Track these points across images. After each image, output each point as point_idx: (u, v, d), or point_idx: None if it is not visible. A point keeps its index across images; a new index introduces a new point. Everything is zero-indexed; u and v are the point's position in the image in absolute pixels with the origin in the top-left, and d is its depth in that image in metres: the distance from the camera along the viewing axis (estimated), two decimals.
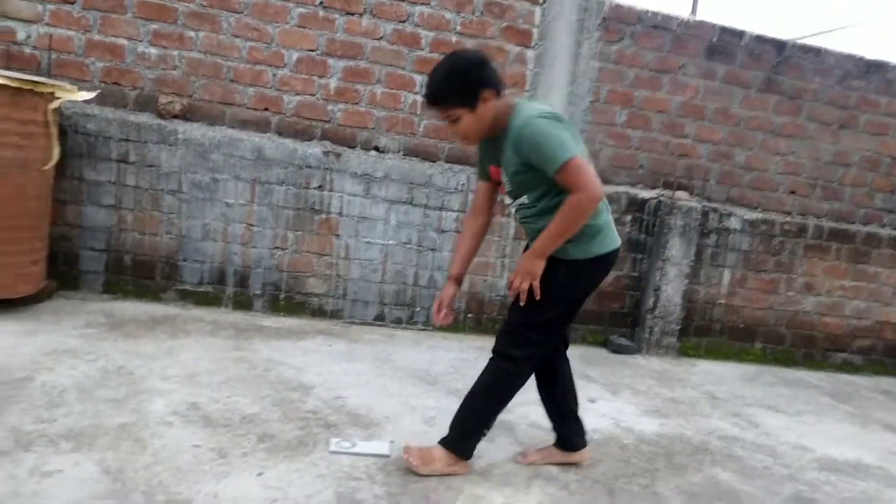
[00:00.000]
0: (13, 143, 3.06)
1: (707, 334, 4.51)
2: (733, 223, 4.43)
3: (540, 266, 2.12)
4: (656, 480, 2.50)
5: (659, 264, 4.24)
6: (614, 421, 3.04)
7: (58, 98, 3.18)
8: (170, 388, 2.66)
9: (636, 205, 4.31)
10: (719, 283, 4.47)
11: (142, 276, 3.79)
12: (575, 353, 3.99)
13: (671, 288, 4.26)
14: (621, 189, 4.33)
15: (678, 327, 4.31)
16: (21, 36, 3.63)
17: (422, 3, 3.97)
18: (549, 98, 4.20)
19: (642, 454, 2.73)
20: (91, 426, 2.26)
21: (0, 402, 2.31)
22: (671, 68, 4.33)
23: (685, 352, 4.40)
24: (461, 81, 2.03)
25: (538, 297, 2.15)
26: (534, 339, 2.23)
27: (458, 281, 2.41)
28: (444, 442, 2.31)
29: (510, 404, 3.03)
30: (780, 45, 4.43)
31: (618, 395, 3.42)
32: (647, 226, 4.33)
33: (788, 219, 4.56)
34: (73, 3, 3.65)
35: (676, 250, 4.25)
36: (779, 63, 4.45)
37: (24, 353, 2.75)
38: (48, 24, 3.65)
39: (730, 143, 4.50)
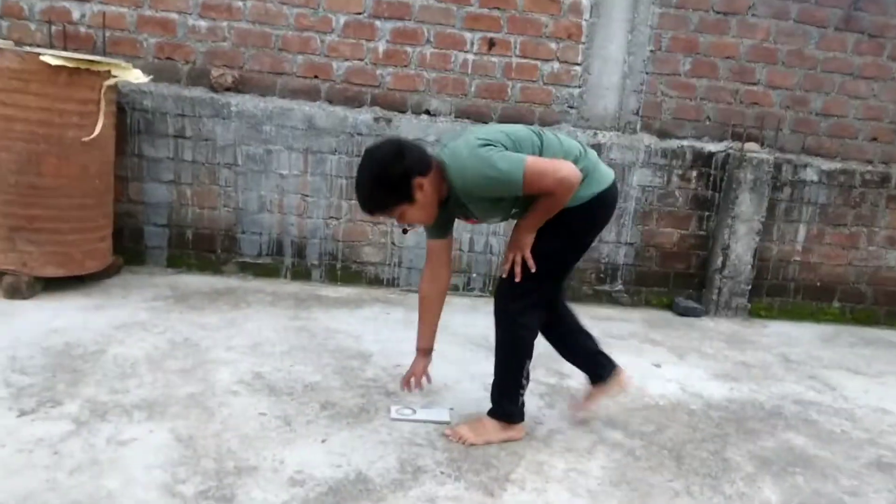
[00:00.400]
0: (74, 122, 3.19)
1: (780, 294, 4.35)
2: (809, 175, 4.22)
3: (529, 238, 2.14)
4: (726, 446, 2.46)
5: (728, 221, 4.10)
6: (681, 386, 2.99)
7: (114, 76, 3.28)
8: (234, 357, 2.77)
9: (702, 159, 4.16)
10: (794, 239, 4.29)
11: (203, 249, 3.93)
12: (638, 317, 3.97)
13: (741, 246, 4.12)
14: (686, 143, 4.17)
15: (749, 287, 4.18)
16: (76, 15, 3.75)
17: None
18: (607, 50, 4.07)
19: (711, 419, 2.68)
20: (162, 396, 2.38)
21: (76, 375, 2.47)
22: (739, 9, 4.11)
23: (756, 313, 4.27)
24: (388, 186, 2.01)
25: (533, 269, 2.15)
26: (536, 288, 2.21)
27: (428, 353, 2.44)
28: (491, 413, 2.34)
29: (569, 370, 3.03)
30: None
31: (684, 359, 3.36)
32: (714, 181, 4.18)
33: (870, 168, 4.30)
34: None
35: (747, 206, 4.09)
36: None
37: (95, 328, 2.91)
38: (101, 3, 3.75)
39: (805, 88, 4.26)
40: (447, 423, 2.38)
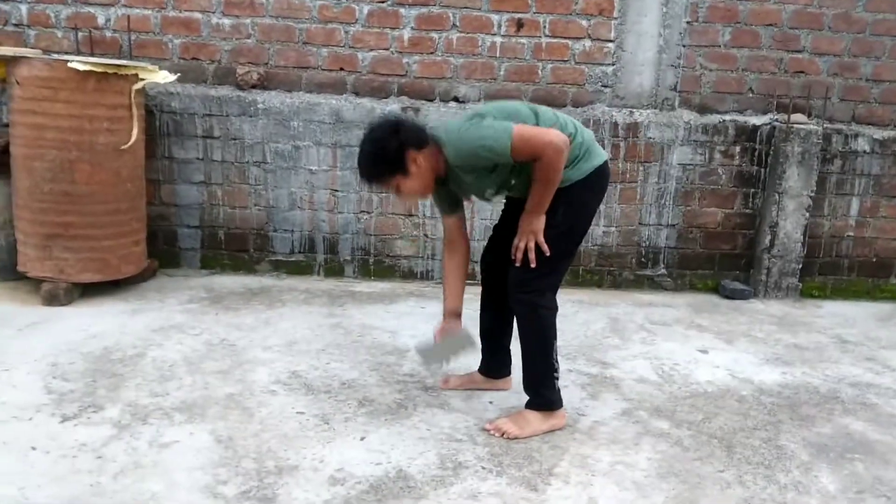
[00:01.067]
0: (104, 128, 3.26)
1: (834, 272, 4.23)
2: (861, 145, 4.08)
3: (541, 222, 2.21)
4: (780, 433, 2.41)
5: (775, 197, 3.99)
6: (730, 372, 2.94)
7: (141, 80, 3.35)
8: (271, 357, 2.81)
9: (746, 133, 4.05)
10: (846, 213, 4.16)
11: (236, 249, 4.00)
12: (683, 301, 3.91)
13: (790, 223, 4.01)
14: (728, 117, 4.07)
15: (799, 266, 4.07)
16: (101, 20, 3.84)
17: None
18: (641, 24, 3.99)
19: (763, 406, 2.63)
20: (201, 397, 2.43)
21: (116, 379, 2.54)
22: None
23: (809, 293, 4.16)
24: (384, 159, 2.15)
25: (547, 253, 2.21)
26: (548, 272, 2.28)
27: (458, 315, 2.48)
28: (530, 405, 2.35)
29: (613, 359, 3.00)
30: None
31: (733, 343, 3.29)
32: (759, 156, 4.07)
33: None
34: None
35: (795, 180, 3.97)
36: None
37: (133, 331, 2.99)
38: (125, 6, 3.83)
39: (853, 54, 4.11)
40: (473, 344, 2.44)
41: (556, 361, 2.34)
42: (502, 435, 2.27)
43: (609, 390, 2.69)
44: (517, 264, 2.26)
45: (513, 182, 2.27)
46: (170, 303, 3.40)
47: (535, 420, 2.32)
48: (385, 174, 2.19)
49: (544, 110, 2.27)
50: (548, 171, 2.12)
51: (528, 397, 2.36)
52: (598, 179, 2.30)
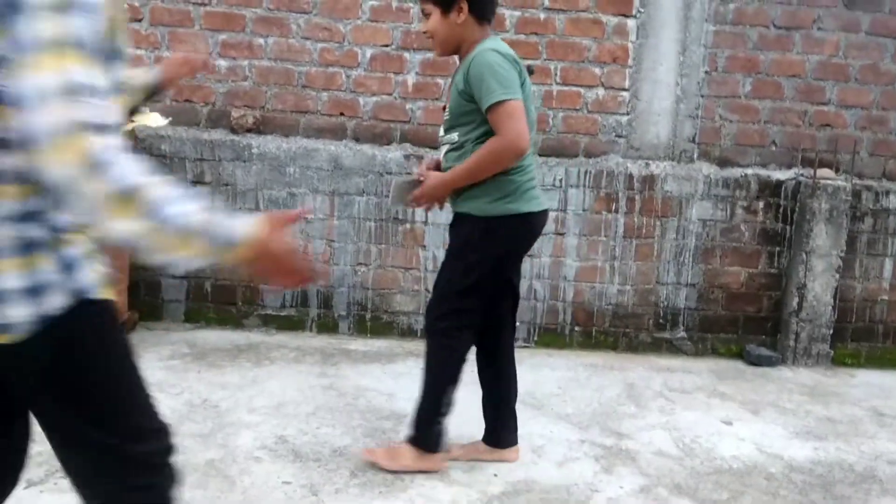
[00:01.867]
0: None
1: (867, 338, 4.20)
2: (893, 202, 4.12)
3: (443, 191, 2.37)
4: None
5: (802, 257, 4.01)
6: (757, 446, 2.89)
7: (132, 122, 3.42)
8: (256, 420, 2.78)
9: (769, 188, 4.10)
10: (879, 275, 4.16)
11: (223, 302, 4.00)
12: (704, 367, 3.88)
13: (819, 285, 4.01)
14: (750, 171, 4.13)
15: (830, 331, 4.05)
16: None
17: None
18: (656, 73, 4.08)
19: (794, 484, 2.58)
20: (179, 463, 2.39)
21: None
22: (803, 23, 4.09)
23: (841, 360, 4.12)
24: None
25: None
26: (458, 307, 2.35)
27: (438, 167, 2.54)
28: (409, 439, 2.43)
29: (630, 429, 2.96)
30: None
31: (759, 414, 3.25)
32: (784, 212, 4.11)
33: None
34: (140, 21, 3.92)
35: (823, 239, 3.99)
36: None
37: None
38: None
39: (882, 107, 4.19)
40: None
41: (446, 407, 2.40)
42: (375, 460, 2.42)
43: (625, 464, 2.65)
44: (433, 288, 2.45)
45: (462, 141, 2.35)
46: (149, 358, 3.38)
47: (409, 456, 2.41)
48: None
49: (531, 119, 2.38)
50: (489, 154, 2.23)
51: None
52: (526, 228, 2.39)
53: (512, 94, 2.20)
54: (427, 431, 2.41)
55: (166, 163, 3.90)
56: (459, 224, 2.42)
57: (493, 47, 2.28)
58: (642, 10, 4.04)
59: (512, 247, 2.41)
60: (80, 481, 1.27)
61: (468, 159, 2.29)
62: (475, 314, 2.39)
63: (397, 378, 3.39)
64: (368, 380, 3.33)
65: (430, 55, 4.01)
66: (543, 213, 2.43)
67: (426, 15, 2.34)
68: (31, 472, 2.26)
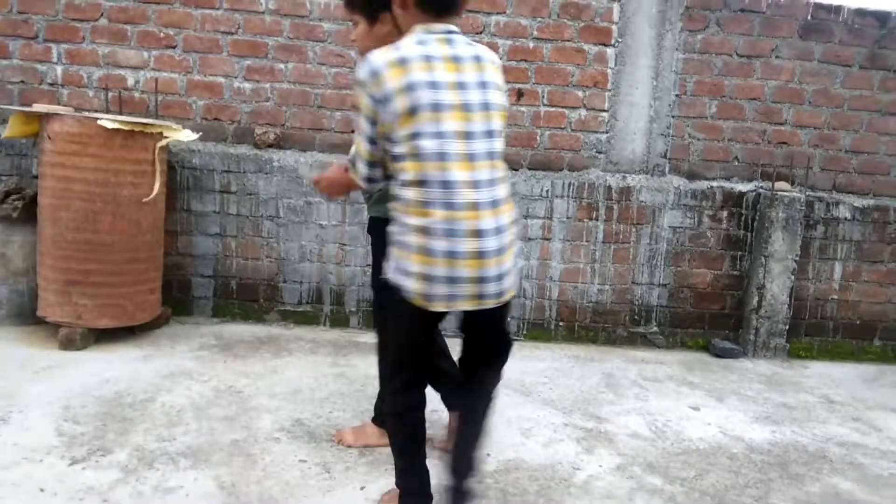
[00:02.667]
0: (128, 181, 3.31)
1: (819, 333, 4.21)
2: (842, 212, 4.12)
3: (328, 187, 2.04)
4: (770, 492, 2.36)
5: (761, 261, 4.01)
6: (721, 429, 2.89)
7: (165, 138, 3.41)
8: (276, 405, 2.78)
9: (732, 199, 4.10)
10: (830, 277, 4.17)
11: (246, 298, 4.00)
12: (674, 359, 3.88)
13: (776, 285, 4.01)
14: (715, 184, 4.13)
15: (786, 327, 4.05)
16: (131, 81, 3.94)
17: (497, 13, 3.97)
18: (632, 96, 4.08)
19: (754, 464, 2.58)
20: (207, 443, 2.39)
21: (126, 423, 2.50)
22: (763, 52, 4.09)
23: (796, 353, 4.12)
24: None
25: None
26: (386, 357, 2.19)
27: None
28: (372, 419, 2.52)
29: (608, 414, 2.95)
30: (882, 17, 4.09)
31: (723, 401, 3.25)
32: (746, 220, 4.11)
33: None
34: (174, 48, 3.92)
35: (780, 245, 3.99)
36: (883, 36, 4.11)
37: (144, 377, 2.97)
38: (154, 69, 3.93)
39: (833, 127, 4.20)
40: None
41: None
42: (340, 442, 2.46)
43: (604, 445, 2.65)
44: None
45: None
46: (181, 349, 3.38)
47: (372, 434, 2.48)
48: (356, 3, 2.02)
49: None
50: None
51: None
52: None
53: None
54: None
55: (196, 174, 3.89)
56: None
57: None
58: (620, 40, 4.04)
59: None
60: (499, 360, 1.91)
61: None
62: (402, 364, 2.25)
63: None
64: (375, 369, 3.30)
65: None
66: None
67: (354, 24, 2.06)
68: (73, 450, 2.26)
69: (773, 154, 4.19)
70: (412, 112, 1.59)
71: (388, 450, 2.43)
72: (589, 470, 2.42)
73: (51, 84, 3.92)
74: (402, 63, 1.61)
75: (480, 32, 3.97)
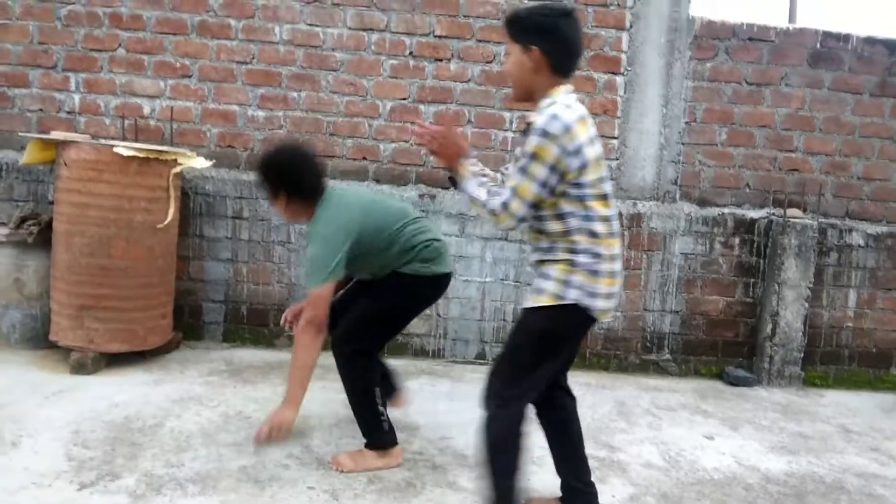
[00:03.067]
0: (142, 207, 3.35)
1: (835, 361, 4.15)
2: (855, 239, 4.10)
3: (286, 416, 2.38)
4: None
5: (775, 287, 3.97)
6: (736, 459, 2.84)
7: (180, 164, 3.46)
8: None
9: (744, 226, 4.08)
10: (844, 304, 4.12)
11: (257, 323, 4.01)
12: (688, 387, 3.83)
13: (790, 313, 3.97)
14: (726, 210, 4.12)
15: (801, 355, 4.00)
16: (146, 110, 4.01)
17: None
18: (642, 123, 4.10)
19: (769, 495, 2.53)
20: (215, 469, 2.38)
21: (134, 448, 2.50)
22: (772, 80, 4.12)
23: (811, 381, 4.06)
24: (267, 174, 2.47)
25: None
26: (359, 336, 2.55)
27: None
28: (367, 445, 2.53)
29: (620, 443, 2.91)
30: (891, 46, 4.11)
31: (738, 430, 3.20)
32: (758, 247, 4.09)
33: None
34: (190, 77, 3.99)
35: (793, 272, 3.96)
36: (892, 64, 4.12)
37: (154, 401, 2.96)
38: (169, 98, 4.00)
39: (844, 154, 4.19)
40: None
41: (382, 405, 2.53)
42: (339, 468, 2.42)
43: (616, 474, 2.61)
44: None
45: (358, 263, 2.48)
46: (190, 374, 3.38)
47: (370, 458, 2.50)
48: (264, 184, 2.49)
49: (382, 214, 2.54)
50: (298, 356, 2.44)
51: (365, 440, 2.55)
52: (430, 288, 2.62)
53: (321, 271, 2.37)
54: (380, 432, 2.52)
55: (209, 200, 3.94)
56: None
57: (319, 217, 2.44)
58: (629, 69, 4.08)
59: (422, 302, 2.70)
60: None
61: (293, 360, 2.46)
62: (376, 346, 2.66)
63: (410, 394, 3.35)
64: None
65: (443, 107, 4.05)
66: (449, 275, 2.67)
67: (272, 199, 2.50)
68: (82, 475, 2.26)
69: (785, 181, 4.18)
70: (597, 161, 1.90)
71: (396, 476, 2.41)
72: (602, 500, 2.38)
73: (68, 112, 4.00)
74: (583, 120, 1.89)
75: (491, 62, 4.02)
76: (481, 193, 1.95)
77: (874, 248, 4.10)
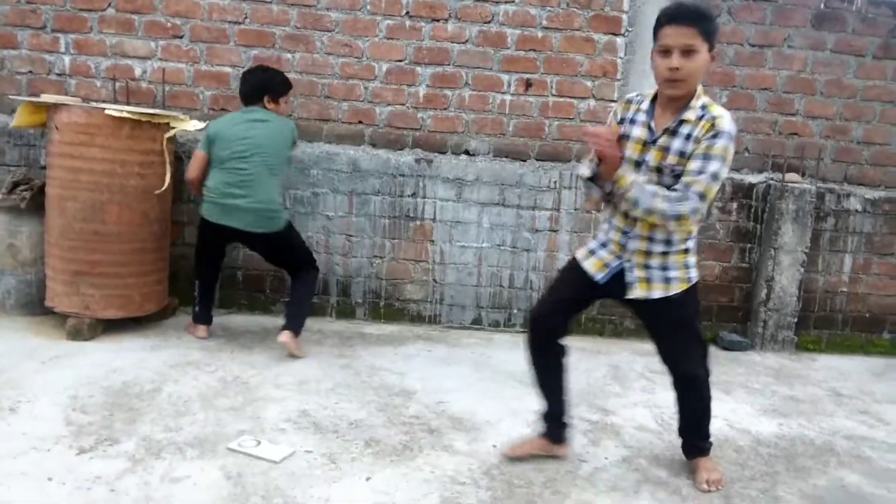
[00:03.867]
0: (135, 172, 3.32)
1: (828, 326, 4.18)
2: (853, 204, 4.09)
3: None
4: (777, 484, 2.36)
5: (771, 253, 3.98)
6: (728, 422, 2.89)
7: (172, 128, 3.42)
8: (282, 395, 2.79)
9: (742, 190, 4.07)
10: (840, 270, 4.14)
11: (253, 289, 4.01)
12: None
13: (785, 278, 3.99)
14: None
15: (795, 320, 4.03)
16: (138, 72, 3.94)
17: (506, 2, 3.94)
18: (643, 86, 4.03)
19: (760, 456, 2.58)
20: (213, 433, 2.41)
21: (132, 413, 2.52)
22: (775, 41, 4.05)
23: (804, 346, 4.10)
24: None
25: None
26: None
27: None
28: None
29: (614, 406, 2.95)
30: None
31: (731, 394, 3.24)
32: (755, 212, 4.08)
33: None
34: (181, 38, 3.91)
35: (790, 237, 3.97)
36: None
37: (152, 367, 2.99)
38: (161, 59, 3.93)
39: (845, 118, 4.15)
40: (274, 462, 2.23)
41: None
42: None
43: (610, 437, 2.65)
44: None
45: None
46: (187, 340, 3.40)
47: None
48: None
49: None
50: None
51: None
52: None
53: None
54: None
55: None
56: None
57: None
58: (630, 29, 4.01)
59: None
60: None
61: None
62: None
63: (407, 359, 3.39)
64: (381, 360, 3.33)
65: (440, 69, 3.99)
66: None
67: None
68: (81, 440, 2.28)
69: (784, 145, 4.15)
70: None
71: (393, 440, 2.44)
72: (595, 462, 2.43)
73: (59, 74, 3.93)
74: None
75: (489, 22, 3.94)
76: (660, 203, 2.00)
77: (871, 213, 4.10)
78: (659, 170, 2.07)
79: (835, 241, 4.11)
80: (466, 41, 3.97)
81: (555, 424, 2.39)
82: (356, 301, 4.04)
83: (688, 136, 2.03)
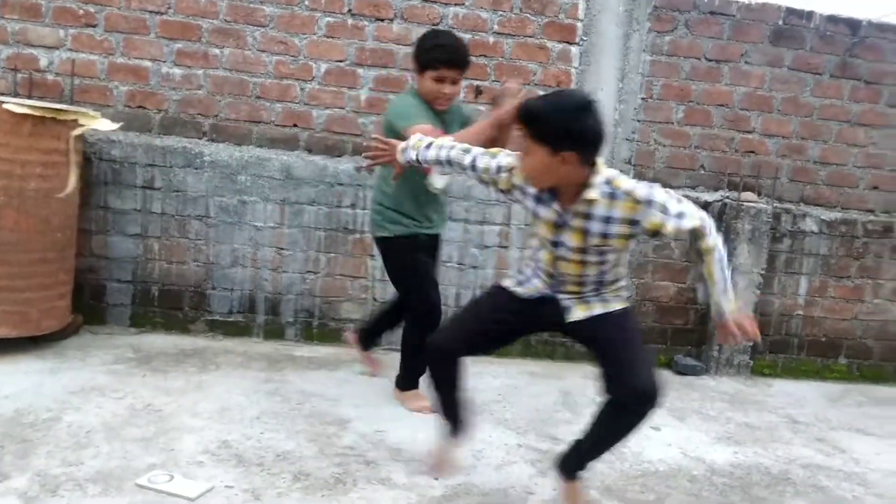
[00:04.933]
0: (37, 173, 3.19)
1: (784, 350, 4.35)
2: (809, 225, 4.29)
3: None
4: None
5: None
6: (682, 450, 2.95)
7: (81, 126, 3.31)
8: (200, 424, 2.71)
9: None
10: (795, 292, 4.32)
11: (169, 307, 3.90)
12: None
13: (741, 300, 4.14)
14: (680, 192, 4.21)
15: (751, 344, 4.18)
16: (43, 62, 3.81)
17: (456, 4, 4.00)
18: (597, 97, 4.13)
19: (715, 486, 2.64)
20: (119, 468, 2.31)
21: (26, 445, 2.40)
22: (732, 57, 4.24)
23: (759, 371, 4.26)
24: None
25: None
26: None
27: None
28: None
29: (565, 434, 2.98)
30: (854, 25, 4.29)
31: (685, 421, 3.32)
32: None
33: (872, 217, 4.38)
34: (95, 27, 3.81)
35: (745, 257, 4.13)
36: (854, 45, 4.30)
37: (49, 393, 2.85)
38: (70, 49, 3.81)
39: (801, 136, 4.37)
40: (190, 499, 2.17)
41: None
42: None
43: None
44: None
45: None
46: (92, 362, 3.26)
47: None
48: None
49: None
50: None
51: None
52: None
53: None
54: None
55: (116, 167, 3.78)
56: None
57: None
58: (585, 39, 4.12)
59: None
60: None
61: None
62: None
63: (342, 384, 3.34)
64: (314, 386, 3.27)
65: (384, 71, 4.00)
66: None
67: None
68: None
69: (741, 163, 4.33)
70: None
71: (324, 472, 2.40)
72: (543, 494, 2.44)
73: None
74: None
75: (437, 24, 3.99)
76: (726, 272, 2.33)
77: (827, 234, 4.30)
78: (583, 250, 2.10)
79: (790, 262, 4.30)
80: (413, 43, 4.00)
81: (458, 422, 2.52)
82: (286, 320, 3.97)
83: (607, 219, 2.04)
